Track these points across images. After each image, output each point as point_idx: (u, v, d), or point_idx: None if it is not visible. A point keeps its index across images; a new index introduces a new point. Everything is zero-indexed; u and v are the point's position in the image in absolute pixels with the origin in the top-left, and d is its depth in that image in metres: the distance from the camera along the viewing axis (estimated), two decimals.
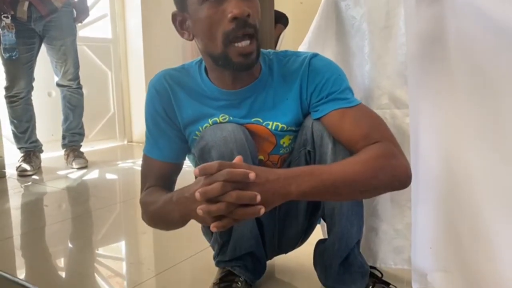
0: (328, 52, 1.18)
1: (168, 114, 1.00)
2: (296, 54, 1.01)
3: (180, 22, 0.94)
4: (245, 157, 0.92)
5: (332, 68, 0.97)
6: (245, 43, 0.86)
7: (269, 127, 0.98)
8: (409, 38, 1.03)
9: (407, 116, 1.08)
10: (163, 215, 0.91)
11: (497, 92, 0.95)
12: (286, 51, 1.03)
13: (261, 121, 0.98)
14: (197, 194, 0.70)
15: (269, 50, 1.03)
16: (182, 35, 0.95)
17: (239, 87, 0.97)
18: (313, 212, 1.08)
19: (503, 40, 0.92)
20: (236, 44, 0.87)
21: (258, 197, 0.69)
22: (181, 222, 0.86)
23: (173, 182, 1.05)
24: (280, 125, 0.98)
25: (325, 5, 1.19)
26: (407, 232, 1.12)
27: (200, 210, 0.71)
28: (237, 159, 0.74)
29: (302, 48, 1.21)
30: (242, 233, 1.02)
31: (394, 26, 1.08)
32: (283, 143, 1.00)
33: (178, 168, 1.05)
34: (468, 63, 0.97)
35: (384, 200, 1.15)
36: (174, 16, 0.95)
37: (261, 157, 1.03)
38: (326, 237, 1.04)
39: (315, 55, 0.99)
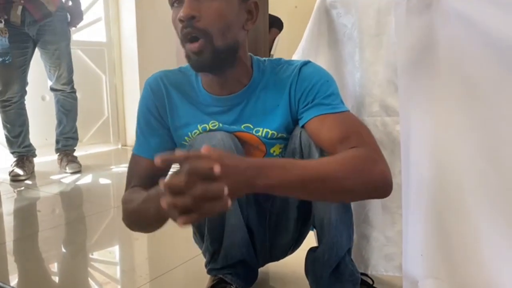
0: (321, 60, 1.18)
1: (161, 113, 1.01)
2: (289, 62, 1.01)
3: None
4: None
5: (320, 74, 0.97)
6: (191, 45, 0.88)
7: (259, 134, 0.98)
8: (400, 46, 1.03)
9: (397, 123, 1.08)
10: (141, 213, 0.88)
11: (486, 100, 0.96)
12: (280, 59, 1.03)
13: (251, 127, 0.98)
14: (161, 184, 0.64)
15: (264, 58, 1.03)
16: None
17: (227, 93, 0.98)
18: (304, 221, 1.08)
19: (492, 50, 0.93)
20: (186, 45, 0.90)
21: (226, 190, 0.63)
22: (157, 219, 0.83)
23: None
24: (270, 132, 0.98)
25: (317, 13, 1.20)
26: (398, 239, 1.12)
27: (164, 202, 0.64)
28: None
29: (296, 56, 1.21)
30: (233, 242, 1.02)
31: (385, 35, 1.09)
32: (273, 151, 1.01)
33: (166, 168, 1.01)
34: (457, 72, 0.98)
35: (375, 207, 1.15)
36: None
37: None
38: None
39: (306, 63, 0.99)
